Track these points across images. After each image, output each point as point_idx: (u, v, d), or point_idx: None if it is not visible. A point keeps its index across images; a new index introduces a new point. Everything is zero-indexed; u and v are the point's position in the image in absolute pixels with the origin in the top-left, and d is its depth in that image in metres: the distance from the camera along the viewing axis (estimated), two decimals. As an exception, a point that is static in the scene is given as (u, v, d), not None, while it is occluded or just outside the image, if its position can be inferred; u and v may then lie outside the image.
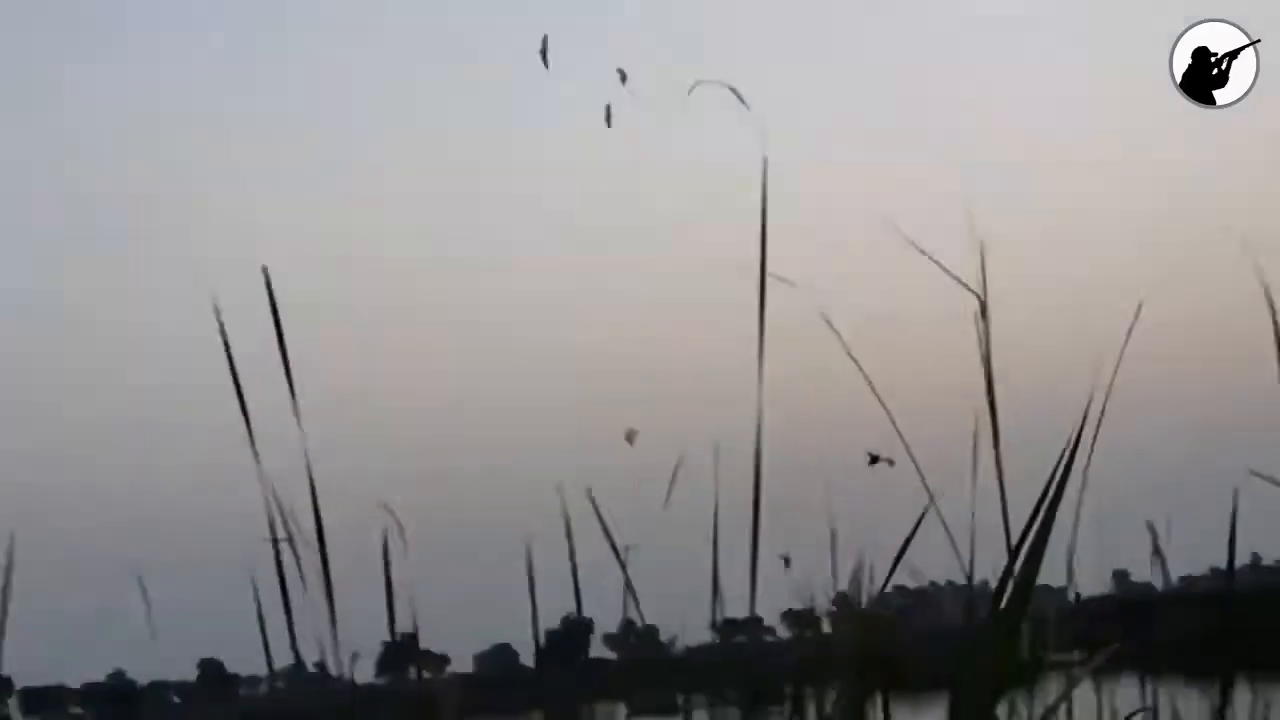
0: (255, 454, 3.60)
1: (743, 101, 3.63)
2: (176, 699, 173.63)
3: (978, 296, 3.74)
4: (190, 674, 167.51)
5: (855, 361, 3.73)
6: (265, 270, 3.57)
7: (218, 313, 3.57)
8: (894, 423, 3.78)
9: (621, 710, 53.41)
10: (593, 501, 4.30)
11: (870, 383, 3.74)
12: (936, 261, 3.64)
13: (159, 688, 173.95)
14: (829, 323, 3.70)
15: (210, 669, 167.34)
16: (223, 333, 3.57)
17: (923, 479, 3.88)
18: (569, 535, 4.40)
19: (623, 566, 4.36)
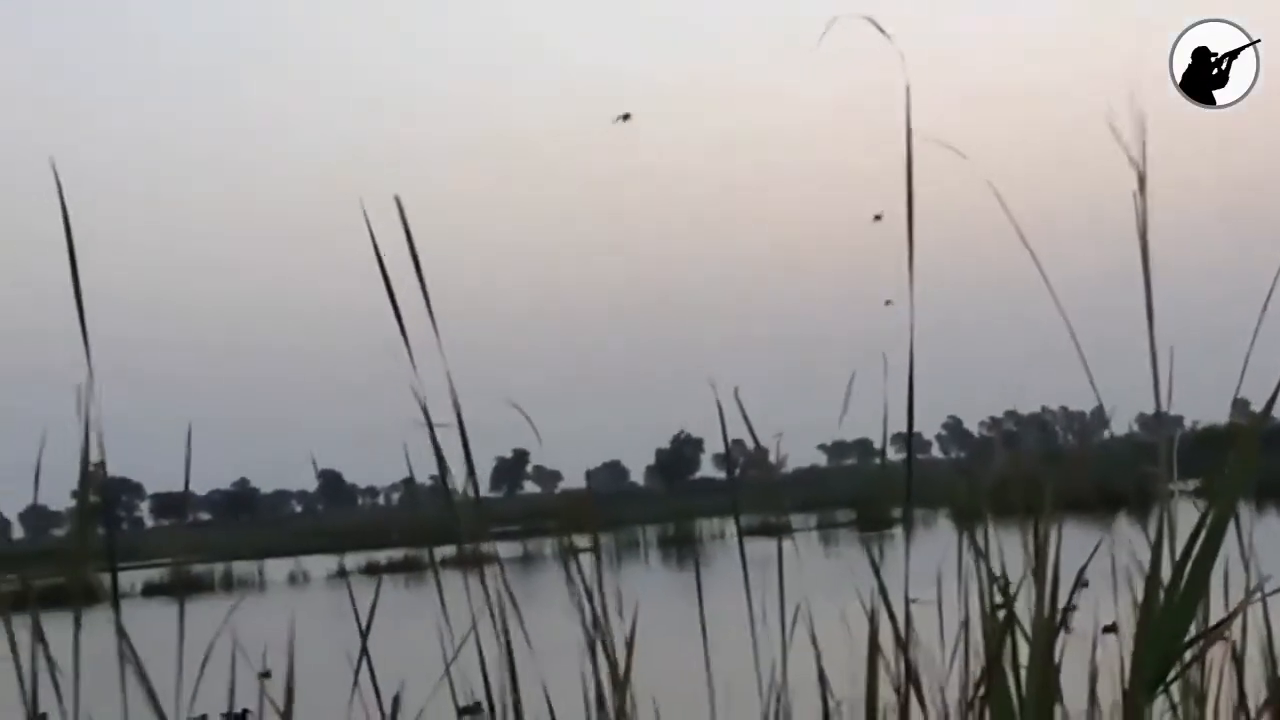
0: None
1: (882, 31, 3.69)
2: (297, 506, 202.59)
3: (1137, 170, 3.74)
4: (312, 484, 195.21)
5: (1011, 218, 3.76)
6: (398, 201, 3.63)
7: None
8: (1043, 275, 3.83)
9: (730, 527, 62.46)
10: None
11: (1020, 233, 3.78)
12: (1115, 132, 3.64)
13: (281, 496, 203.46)
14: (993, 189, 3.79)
15: (330, 480, 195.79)
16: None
17: (1062, 312, 3.91)
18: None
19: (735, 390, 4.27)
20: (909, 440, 4.20)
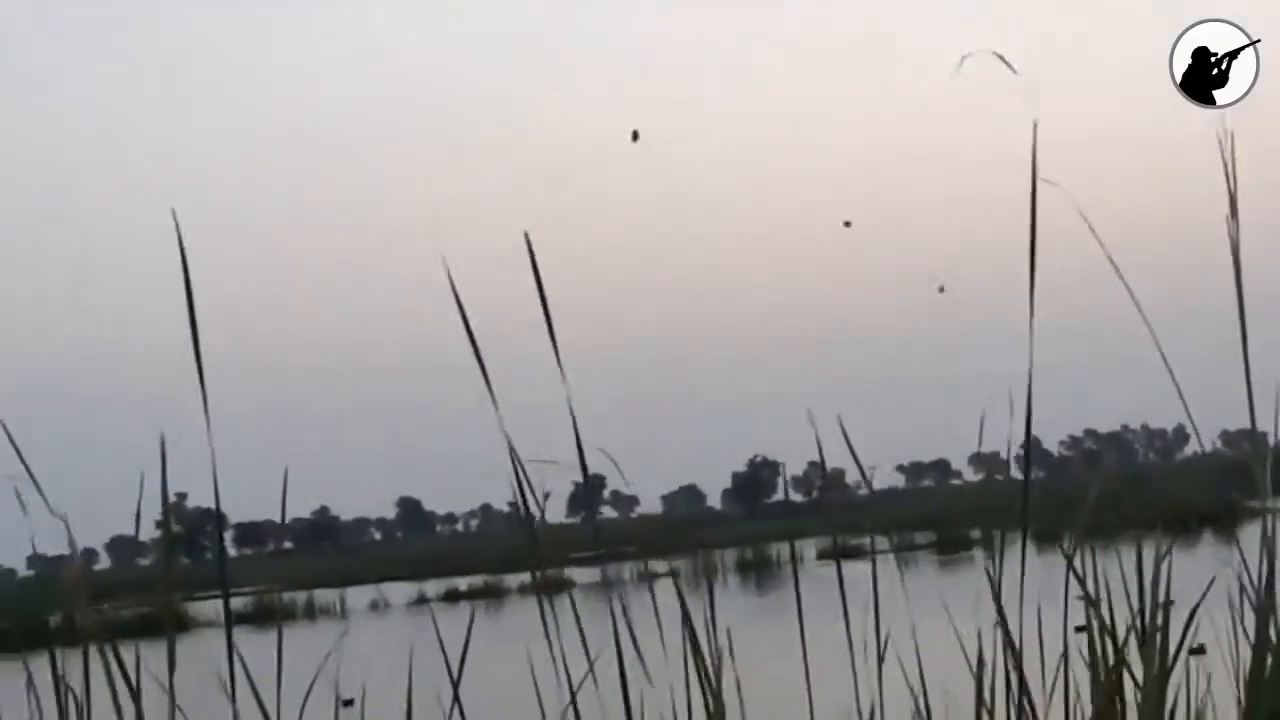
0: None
1: (1011, 68, 3.73)
2: (377, 534, 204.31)
3: (1230, 191, 3.75)
4: (390, 512, 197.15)
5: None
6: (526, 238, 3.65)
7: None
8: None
9: (810, 550, 65.55)
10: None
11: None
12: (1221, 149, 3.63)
13: (361, 523, 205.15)
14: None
15: (408, 507, 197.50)
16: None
17: (1150, 331, 3.85)
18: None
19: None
20: (1026, 458, 4.25)
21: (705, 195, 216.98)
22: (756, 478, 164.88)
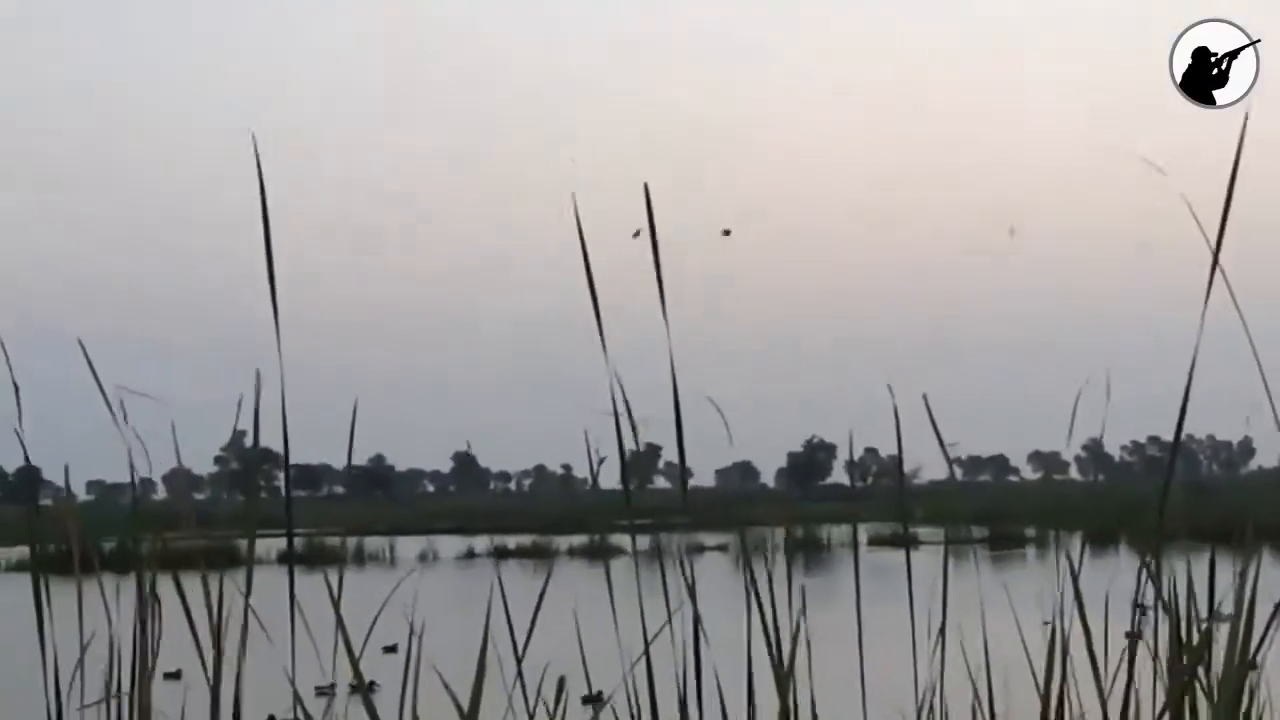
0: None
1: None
2: (429, 486, 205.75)
3: None
4: (445, 465, 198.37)
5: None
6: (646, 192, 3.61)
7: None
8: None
9: (861, 534, 64.38)
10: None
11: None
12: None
13: (414, 474, 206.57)
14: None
15: (463, 461, 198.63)
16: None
17: (1249, 336, 3.77)
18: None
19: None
20: (1174, 451, 4.13)
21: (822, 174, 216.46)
22: (812, 459, 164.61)
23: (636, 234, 3.88)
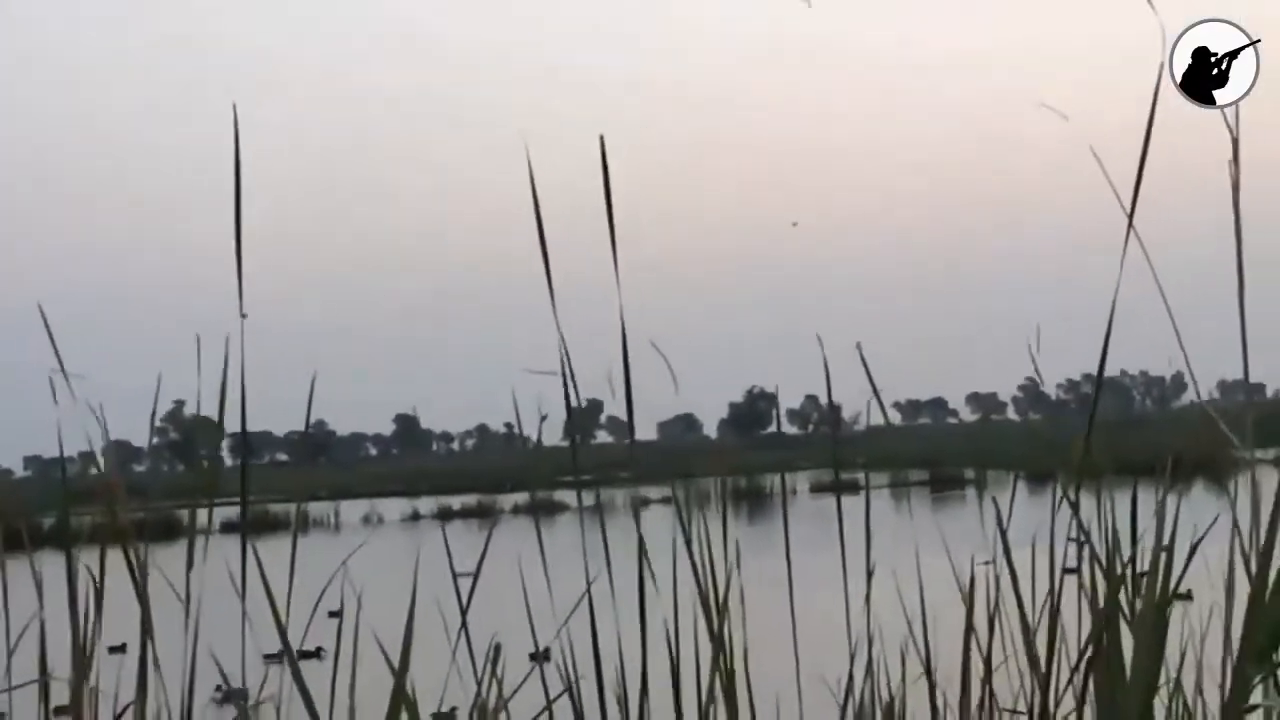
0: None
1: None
2: (372, 450, 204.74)
3: (1232, 135, 3.86)
4: (386, 428, 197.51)
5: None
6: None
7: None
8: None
9: (801, 484, 64.42)
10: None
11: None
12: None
13: (356, 439, 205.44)
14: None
15: (405, 424, 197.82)
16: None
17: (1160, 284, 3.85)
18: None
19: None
20: (1097, 388, 4.24)
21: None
22: (753, 409, 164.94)
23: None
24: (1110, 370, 4.25)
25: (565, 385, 4.08)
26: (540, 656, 4.21)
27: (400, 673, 3.65)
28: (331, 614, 4.59)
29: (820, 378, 4.41)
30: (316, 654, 13.72)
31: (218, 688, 4.08)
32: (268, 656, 4.33)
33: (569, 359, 4.06)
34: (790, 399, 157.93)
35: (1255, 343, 3.99)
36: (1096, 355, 4.08)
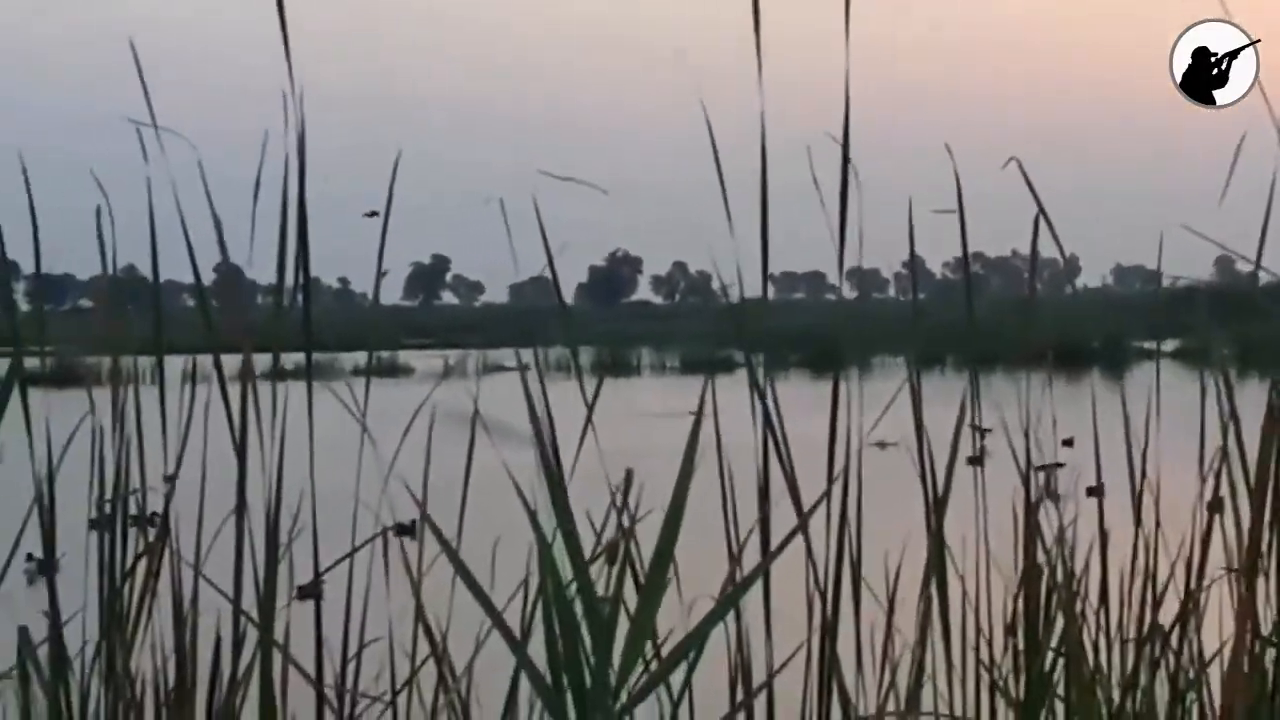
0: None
1: None
2: (189, 300, 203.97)
3: None
4: (208, 277, 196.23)
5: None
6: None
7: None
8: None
9: (670, 360, 55.62)
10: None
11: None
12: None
13: (171, 286, 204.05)
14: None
15: (228, 274, 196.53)
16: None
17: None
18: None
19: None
20: (965, 273, 4.56)
21: None
22: (616, 274, 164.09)
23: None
24: (1000, 251, 4.47)
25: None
26: (405, 530, 4.28)
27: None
28: (169, 478, 4.54)
29: (685, 243, 4.37)
30: (151, 520, 13.81)
31: (29, 556, 4.06)
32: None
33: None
34: (655, 265, 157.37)
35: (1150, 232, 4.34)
36: (985, 234, 4.24)
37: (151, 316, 4.62)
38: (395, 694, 4.49)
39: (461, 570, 3.26)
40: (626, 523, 4.20)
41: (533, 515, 3.37)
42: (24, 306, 5.17)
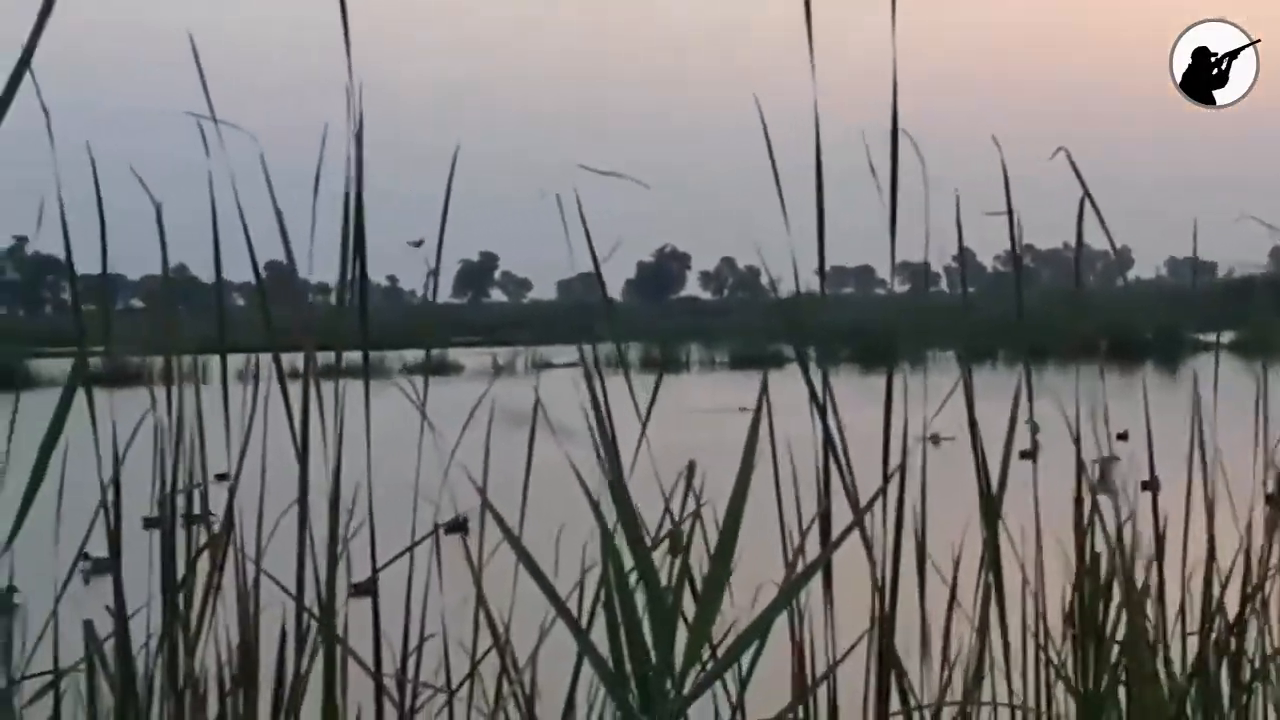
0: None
1: None
2: (240, 300, 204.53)
3: None
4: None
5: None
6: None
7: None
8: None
9: (720, 356, 59.40)
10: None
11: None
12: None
13: (223, 286, 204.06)
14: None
15: (279, 273, 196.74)
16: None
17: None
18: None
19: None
20: (1016, 267, 4.53)
21: None
22: (664, 270, 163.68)
23: None
24: (1053, 243, 4.50)
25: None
26: (458, 527, 4.31)
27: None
28: (220, 476, 4.60)
29: (733, 238, 4.39)
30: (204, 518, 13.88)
31: (85, 555, 4.14)
32: (147, 520, 4.35)
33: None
34: (704, 261, 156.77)
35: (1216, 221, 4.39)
36: (1033, 226, 4.33)
37: (204, 315, 4.60)
38: (457, 686, 4.54)
39: (525, 558, 3.30)
40: (690, 510, 4.24)
41: (595, 504, 3.42)
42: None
